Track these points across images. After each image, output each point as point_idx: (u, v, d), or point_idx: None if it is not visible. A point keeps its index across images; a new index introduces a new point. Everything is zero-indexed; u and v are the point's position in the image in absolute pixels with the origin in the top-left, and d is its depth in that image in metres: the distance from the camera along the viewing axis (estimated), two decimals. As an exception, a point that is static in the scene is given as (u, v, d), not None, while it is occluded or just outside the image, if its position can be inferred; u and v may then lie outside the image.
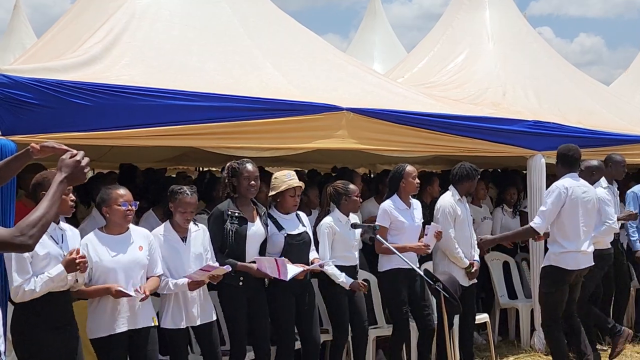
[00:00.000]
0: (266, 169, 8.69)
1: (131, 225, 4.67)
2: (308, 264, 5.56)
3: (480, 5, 9.17)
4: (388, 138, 6.21)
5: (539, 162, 7.21)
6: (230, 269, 4.94)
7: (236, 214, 5.17)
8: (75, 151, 2.88)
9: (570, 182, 6.00)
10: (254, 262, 5.20)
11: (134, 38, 5.61)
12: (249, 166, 5.24)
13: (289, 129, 5.64)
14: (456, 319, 6.42)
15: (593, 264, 6.19)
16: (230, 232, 5.13)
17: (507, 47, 8.87)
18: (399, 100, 6.59)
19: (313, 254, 5.67)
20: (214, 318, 5.12)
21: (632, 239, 7.56)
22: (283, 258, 5.21)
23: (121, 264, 4.47)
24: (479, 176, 6.58)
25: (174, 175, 10.76)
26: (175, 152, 9.11)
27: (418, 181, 6.22)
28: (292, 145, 5.74)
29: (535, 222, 6.04)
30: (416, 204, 6.32)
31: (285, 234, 5.46)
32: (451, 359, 5.63)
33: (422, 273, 5.38)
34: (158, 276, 4.73)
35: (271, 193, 5.54)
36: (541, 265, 7.19)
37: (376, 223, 6.08)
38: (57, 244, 4.18)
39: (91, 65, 5.18)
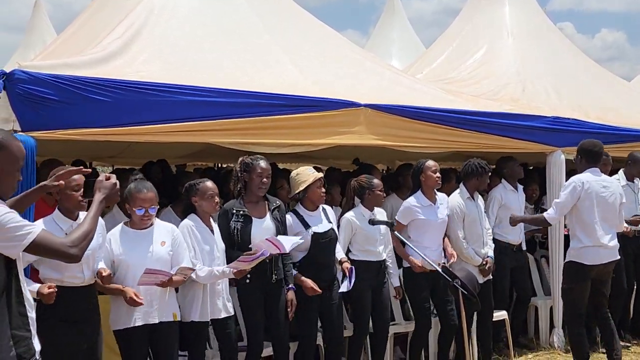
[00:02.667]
0: (283, 166, 8.72)
1: (156, 220, 4.71)
2: (334, 263, 5.59)
3: (500, 0, 9.11)
4: (406, 134, 6.19)
5: (558, 159, 7.16)
6: (269, 254, 4.85)
7: (241, 212, 5.14)
8: (110, 174, 3.31)
9: (588, 177, 5.96)
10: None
11: (152, 34, 5.63)
12: (262, 163, 5.20)
13: (307, 125, 5.64)
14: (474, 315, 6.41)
15: (618, 257, 6.14)
16: (236, 230, 5.12)
17: (526, 42, 8.82)
18: (418, 96, 6.57)
19: (340, 254, 5.67)
20: (233, 312, 5.14)
21: None
22: (274, 237, 5.04)
23: (142, 260, 4.48)
24: (489, 172, 6.51)
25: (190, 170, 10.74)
26: (193, 148, 9.14)
27: (439, 175, 6.16)
28: (311, 141, 5.74)
29: (548, 213, 6.08)
30: (442, 198, 6.27)
31: (312, 233, 5.45)
32: (469, 356, 5.62)
33: (440, 270, 5.35)
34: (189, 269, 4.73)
35: (299, 189, 5.50)
36: (560, 262, 7.22)
37: (395, 218, 6.09)
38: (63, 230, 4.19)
39: (110, 61, 5.21)
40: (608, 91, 8.91)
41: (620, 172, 7.44)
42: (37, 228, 2.88)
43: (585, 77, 8.88)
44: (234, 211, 5.14)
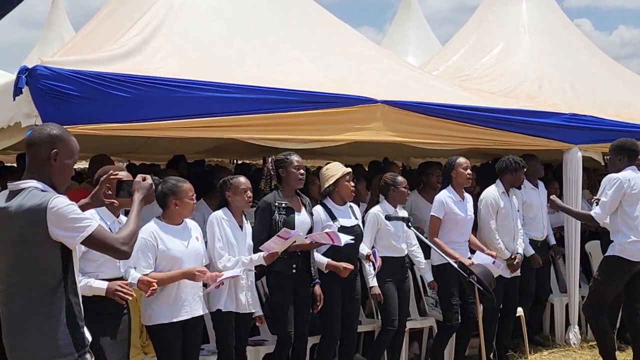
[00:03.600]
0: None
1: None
2: (357, 259, 5.65)
3: (516, -4, 9.09)
4: (423, 131, 6.21)
5: (575, 156, 7.16)
6: (300, 232, 5.06)
7: (283, 205, 5.23)
8: (145, 175, 3.44)
9: (631, 174, 5.99)
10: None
11: (171, 31, 5.67)
12: (296, 157, 5.33)
13: (324, 121, 5.67)
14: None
15: None
16: (280, 223, 5.18)
17: (543, 39, 8.79)
18: (434, 92, 6.58)
19: (364, 250, 5.72)
20: (253, 310, 5.17)
21: None
22: (333, 230, 5.26)
23: (186, 254, 4.56)
24: (524, 168, 6.54)
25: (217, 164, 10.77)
26: (210, 144, 9.19)
27: (470, 172, 6.24)
28: (328, 137, 5.77)
29: (596, 212, 6.03)
30: (468, 197, 6.34)
31: (339, 225, 5.50)
32: (484, 351, 5.64)
33: (456, 266, 5.38)
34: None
35: (328, 183, 5.58)
36: (577, 259, 7.22)
37: (430, 213, 6.14)
38: (107, 223, 4.23)
39: (130, 57, 5.25)
40: (625, 88, 8.86)
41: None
42: (95, 222, 3.02)
43: (602, 74, 8.84)
44: (276, 204, 5.22)
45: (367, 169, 8.96)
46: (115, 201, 3.72)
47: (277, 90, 5.44)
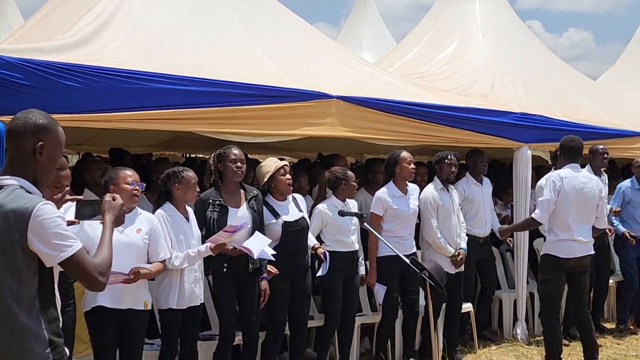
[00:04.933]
0: (253, 156, 8.72)
1: (138, 209, 4.72)
2: (307, 251, 5.64)
3: (470, -4, 9.20)
4: (377, 127, 6.24)
5: (525, 154, 7.29)
6: (249, 225, 5.02)
7: (217, 202, 5.16)
8: (115, 195, 3.06)
9: (567, 173, 6.06)
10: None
11: (125, 20, 5.57)
12: (234, 149, 5.25)
13: (279, 115, 5.65)
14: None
15: (592, 252, 6.26)
16: (212, 220, 5.14)
17: (496, 39, 8.92)
18: (389, 89, 6.62)
19: (312, 241, 5.70)
20: (202, 301, 5.16)
21: (614, 224, 7.77)
22: (247, 246, 5.04)
23: (116, 242, 4.42)
24: (451, 161, 6.51)
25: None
26: (163, 137, 9.10)
27: (413, 166, 6.30)
28: (283, 131, 5.75)
29: (535, 213, 6.13)
30: (413, 189, 6.38)
31: (282, 222, 5.48)
32: (435, 347, 5.69)
33: (408, 261, 5.41)
34: (162, 261, 4.74)
35: (264, 180, 5.54)
36: (525, 255, 7.36)
37: (370, 210, 6.15)
38: None
39: (81, 47, 5.13)
40: (575, 89, 9.06)
41: (587, 167, 7.59)
42: (78, 243, 2.66)
43: (553, 74, 9.01)
44: (210, 201, 5.16)
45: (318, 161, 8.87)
46: (76, 221, 3.35)
47: (232, 83, 5.40)
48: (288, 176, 5.56)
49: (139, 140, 9.17)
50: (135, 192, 4.59)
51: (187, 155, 12.59)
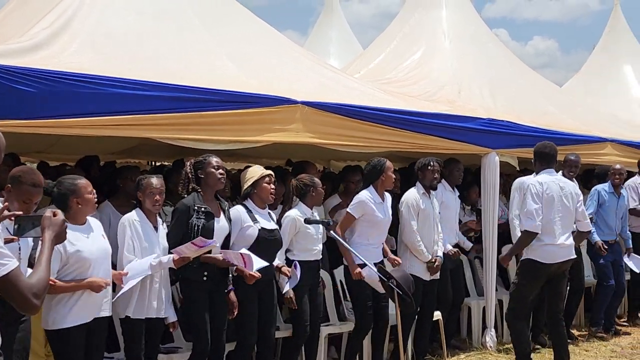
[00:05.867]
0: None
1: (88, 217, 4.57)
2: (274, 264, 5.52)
3: (437, 3, 9.19)
4: (343, 132, 6.15)
5: (493, 160, 7.26)
6: (217, 243, 4.88)
7: (202, 209, 5.04)
8: (56, 210, 2.84)
9: (545, 178, 6.06)
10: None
11: (84, 24, 5.41)
12: (215, 157, 5.16)
13: (243, 121, 5.53)
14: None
15: (574, 256, 6.23)
16: (197, 227, 4.99)
17: (463, 45, 8.91)
18: (355, 94, 6.53)
19: (276, 261, 5.57)
20: (165, 315, 5.02)
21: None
22: (249, 252, 5.09)
23: (94, 254, 4.37)
24: (432, 167, 6.50)
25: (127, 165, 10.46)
26: (126, 144, 8.91)
27: (395, 176, 6.28)
28: (247, 137, 5.62)
29: (529, 224, 6.00)
30: (388, 197, 6.32)
31: (260, 227, 5.37)
32: (403, 356, 5.61)
33: (375, 270, 5.32)
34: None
35: (247, 185, 5.44)
36: (494, 263, 7.31)
37: (347, 209, 6.10)
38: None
39: (38, 51, 4.97)
40: (541, 96, 9.09)
41: (559, 174, 7.60)
42: (14, 262, 2.50)
43: (519, 81, 9.03)
44: (195, 208, 5.02)
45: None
46: (15, 238, 3.20)
47: (193, 88, 5.26)
48: (272, 186, 5.48)
49: (102, 148, 8.96)
50: (96, 201, 4.51)
51: (153, 163, 12.37)
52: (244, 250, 5.09)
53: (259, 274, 5.15)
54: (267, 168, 5.69)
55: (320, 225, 5.78)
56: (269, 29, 7.05)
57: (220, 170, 5.13)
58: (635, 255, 8.27)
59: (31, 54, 4.89)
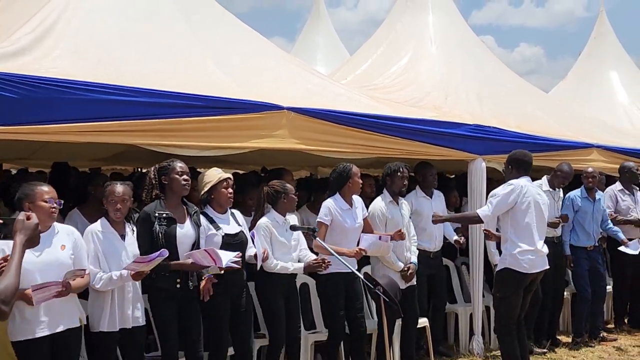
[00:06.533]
0: (201, 170, 8.49)
1: (56, 223, 4.43)
2: (244, 268, 5.42)
3: (424, 9, 9.20)
4: (329, 139, 6.10)
5: (479, 166, 7.23)
6: (167, 254, 4.72)
7: (164, 215, 4.93)
8: (29, 213, 2.77)
9: (526, 182, 6.05)
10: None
11: (67, 29, 5.35)
12: (180, 162, 5.06)
13: (228, 127, 5.48)
14: (398, 322, 6.37)
15: (548, 267, 6.22)
16: (160, 234, 4.89)
17: (449, 51, 8.91)
18: (342, 100, 6.51)
19: (250, 251, 5.48)
20: (143, 322, 4.94)
21: (563, 240, 7.78)
22: (212, 247, 4.98)
23: (37, 265, 4.16)
24: (401, 172, 6.40)
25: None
26: (111, 151, 8.82)
27: (361, 181, 6.18)
28: (232, 144, 5.57)
29: (483, 209, 6.06)
30: (358, 201, 6.23)
31: (223, 234, 5.28)
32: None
33: (362, 277, 5.28)
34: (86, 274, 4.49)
35: (203, 191, 5.34)
36: (481, 269, 7.28)
37: (317, 219, 6.00)
38: None
39: (20, 56, 4.91)
40: (528, 102, 9.08)
41: (544, 178, 7.62)
42: None
43: (506, 87, 9.03)
44: (157, 214, 4.92)
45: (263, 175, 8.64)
46: None
47: (178, 94, 5.20)
48: (230, 190, 5.37)
49: (86, 154, 8.88)
50: (53, 210, 4.30)
51: (139, 169, 12.29)
52: (206, 248, 4.96)
53: (236, 265, 5.03)
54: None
55: (295, 233, 5.71)
56: (255, 34, 7.02)
57: (185, 176, 5.02)
58: (630, 242, 8.11)
59: (13, 60, 4.84)
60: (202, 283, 5.03)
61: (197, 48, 6.05)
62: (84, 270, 4.46)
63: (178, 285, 4.98)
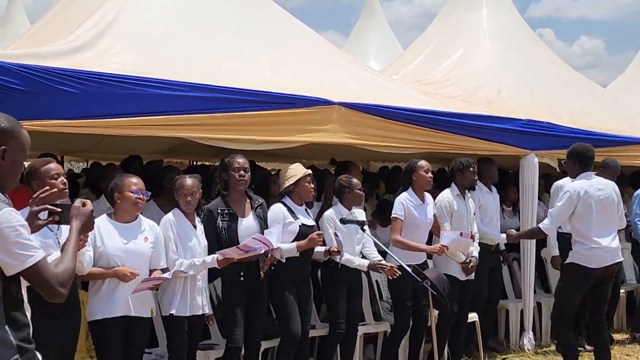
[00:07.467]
0: (258, 163, 8.65)
1: (142, 217, 4.70)
2: (309, 262, 5.61)
3: (477, 3, 9.12)
4: (379, 133, 6.16)
5: (532, 162, 7.18)
6: (262, 251, 4.96)
7: (226, 211, 5.14)
8: (85, 200, 2.90)
9: (583, 184, 5.95)
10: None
11: (126, 26, 5.52)
12: (239, 158, 5.24)
13: (280, 121, 5.59)
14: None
15: (621, 259, 6.16)
16: (223, 230, 5.12)
17: (503, 46, 8.82)
18: (392, 96, 6.54)
19: (320, 248, 5.60)
20: (209, 311, 5.14)
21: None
22: (257, 234, 5.11)
23: (125, 253, 4.49)
24: (470, 168, 6.47)
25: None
26: (167, 144, 9.04)
27: (431, 175, 6.21)
28: (283, 138, 5.68)
29: (544, 223, 6.02)
30: (429, 199, 6.30)
31: (301, 224, 5.44)
32: (437, 356, 5.61)
33: (410, 270, 5.34)
34: (162, 269, 4.73)
35: (289, 183, 5.50)
36: (532, 265, 7.24)
37: (392, 215, 6.09)
38: (52, 231, 4.09)
39: (81, 52, 5.10)
40: (583, 96, 8.94)
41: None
42: (41, 252, 2.55)
43: (560, 81, 8.90)
44: (219, 211, 5.13)
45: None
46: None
47: (231, 89, 5.34)
48: (312, 185, 5.56)
49: (144, 148, 9.11)
50: (139, 200, 4.58)
51: (194, 162, 12.52)
52: (257, 236, 5.05)
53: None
54: (308, 168, 5.74)
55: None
56: (307, 30, 7.09)
57: (241, 172, 5.19)
58: None
59: (74, 56, 5.02)
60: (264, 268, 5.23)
61: (248, 43, 6.16)
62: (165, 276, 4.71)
63: (242, 278, 5.15)
